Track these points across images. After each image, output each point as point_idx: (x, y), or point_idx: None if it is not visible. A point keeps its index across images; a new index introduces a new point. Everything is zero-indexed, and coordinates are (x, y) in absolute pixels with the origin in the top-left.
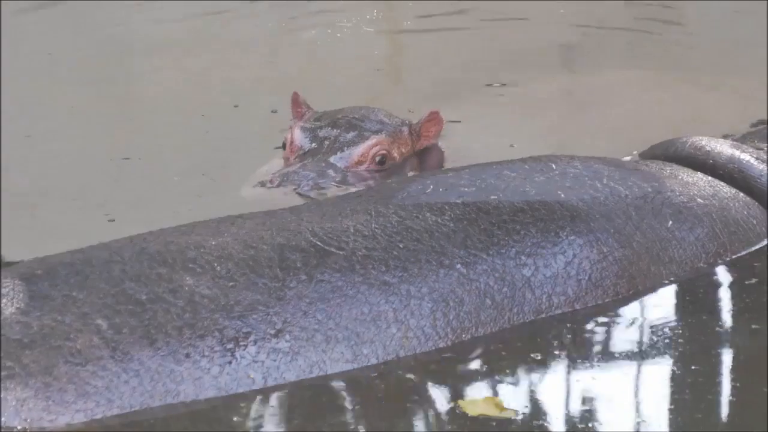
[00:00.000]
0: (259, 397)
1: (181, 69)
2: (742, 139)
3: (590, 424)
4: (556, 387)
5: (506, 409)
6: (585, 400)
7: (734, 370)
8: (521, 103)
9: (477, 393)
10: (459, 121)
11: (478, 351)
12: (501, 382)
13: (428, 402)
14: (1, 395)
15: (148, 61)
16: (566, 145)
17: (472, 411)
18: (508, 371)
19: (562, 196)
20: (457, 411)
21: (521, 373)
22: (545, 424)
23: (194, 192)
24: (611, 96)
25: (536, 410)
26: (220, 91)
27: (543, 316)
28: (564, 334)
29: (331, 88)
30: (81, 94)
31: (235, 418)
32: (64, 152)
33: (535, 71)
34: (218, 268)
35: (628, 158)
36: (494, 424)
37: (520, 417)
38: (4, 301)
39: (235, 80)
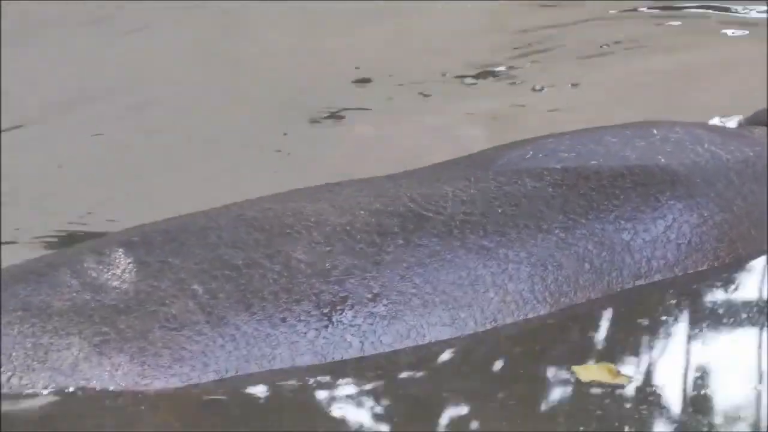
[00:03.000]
0: (356, 362)
1: None
2: None
3: (702, 392)
4: (666, 353)
5: (620, 375)
6: (696, 367)
7: None
8: None
9: (585, 358)
10: None
11: (581, 316)
12: (609, 347)
13: (537, 367)
14: (97, 360)
15: None
16: None
17: (585, 377)
18: (615, 337)
19: (663, 160)
20: (569, 376)
21: (629, 338)
22: (658, 391)
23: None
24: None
25: (649, 377)
26: None
27: (642, 281)
28: (668, 300)
29: None
30: None
31: (331, 383)
32: None
33: None
34: (315, 233)
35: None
36: (608, 390)
37: (633, 383)
38: (100, 267)
39: None
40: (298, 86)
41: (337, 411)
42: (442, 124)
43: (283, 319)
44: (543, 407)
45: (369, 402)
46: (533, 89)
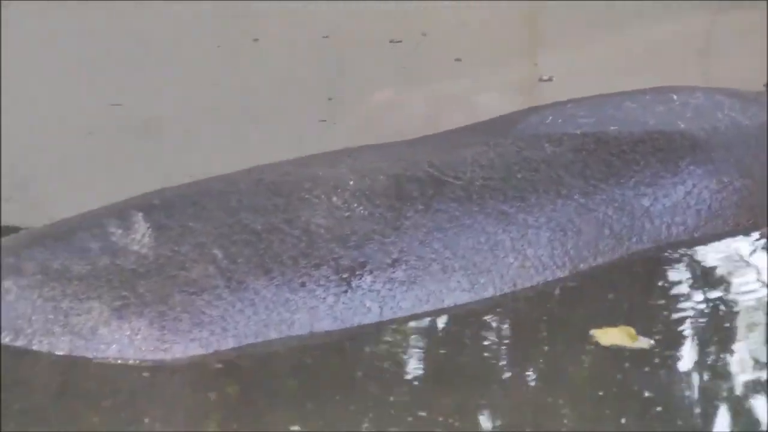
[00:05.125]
0: (375, 327)
1: None
2: None
3: (722, 356)
4: (684, 318)
5: (640, 339)
6: (715, 332)
7: None
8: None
9: (605, 322)
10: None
11: (601, 281)
12: (629, 312)
13: (556, 331)
14: (117, 324)
15: None
16: None
17: (604, 341)
18: (635, 301)
19: (683, 126)
20: (589, 340)
21: (649, 303)
22: (677, 355)
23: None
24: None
25: (668, 341)
26: None
27: (662, 246)
28: (687, 265)
29: None
30: None
31: (351, 348)
32: None
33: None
34: (334, 198)
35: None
36: (628, 354)
37: (653, 347)
38: (119, 231)
39: None
40: (311, 51)
41: (356, 376)
42: (460, 91)
43: (303, 284)
44: (562, 371)
45: (388, 367)
46: (540, 79)
